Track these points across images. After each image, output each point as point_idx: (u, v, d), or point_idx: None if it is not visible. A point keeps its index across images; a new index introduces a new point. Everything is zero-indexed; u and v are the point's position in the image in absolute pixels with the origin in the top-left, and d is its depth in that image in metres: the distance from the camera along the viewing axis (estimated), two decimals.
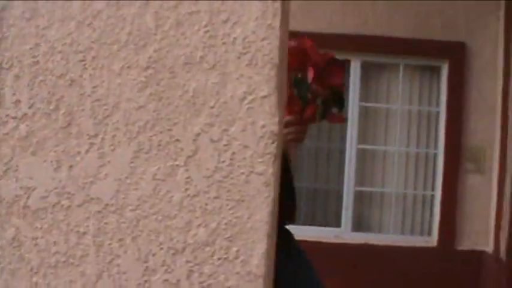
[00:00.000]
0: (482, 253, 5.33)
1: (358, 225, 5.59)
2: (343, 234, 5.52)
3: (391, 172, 5.56)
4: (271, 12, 1.21)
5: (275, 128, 1.19)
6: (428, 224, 5.53)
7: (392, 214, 5.53)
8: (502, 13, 5.34)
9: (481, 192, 5.35)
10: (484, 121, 5.38)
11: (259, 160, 1.19)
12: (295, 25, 5.43)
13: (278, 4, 1.22)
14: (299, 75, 2.42)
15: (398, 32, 5.45)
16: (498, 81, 5.30)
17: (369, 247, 5.33)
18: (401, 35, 5.44)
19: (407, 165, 5.58)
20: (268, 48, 1.20)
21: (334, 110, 2.42)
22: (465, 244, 5.39)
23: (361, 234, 5.50)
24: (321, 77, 2.44)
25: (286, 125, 2.70)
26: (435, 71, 5.59)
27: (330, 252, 5.27)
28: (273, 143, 1.20)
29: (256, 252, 1.19)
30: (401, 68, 5.56)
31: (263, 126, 1.19)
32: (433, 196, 5.52)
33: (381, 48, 5.48)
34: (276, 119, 1.19)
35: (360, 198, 5.58)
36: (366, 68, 5.60)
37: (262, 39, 1.20)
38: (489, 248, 5.27)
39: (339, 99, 2.46)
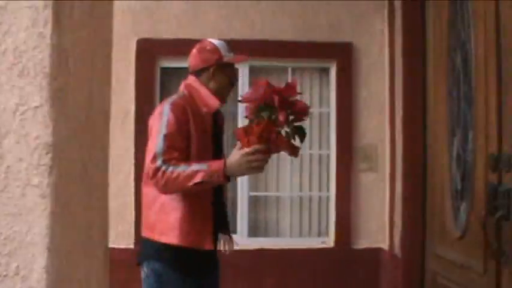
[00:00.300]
0: (378, 250, 5.42)
1: (255, 230, 5.60)
2: (239, 240, 5.52)
3: (285, 176, 5.60)
4: (42, 21, 1.17)
5: (49, 138, 1.16)
6: (326, 225, 5.59)
7: (288, 217, 5.57)
8: (386, 12, 5.45)
9: (374, 190, 5.44)
10: (374, 120, 5.48)
11: (34, 172, 1.16)
12: (182, 32, 5.47)
13: (49, 12, 1.17)
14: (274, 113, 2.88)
15: (285, 35, 5.50)
16: (386, 80, 5.40)
17: (266, 251, 5.34)
18: (288, 38, 5.49)
19: (302, 168, 5.63)
20: (40, 57, 1.16)
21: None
22: (362, 243, 5.47)
23: (258, 239, 5.52)
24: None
25: (254, 153, 3.05)
26: (324, 72, 5.66)
27: (227, 258, 5.25)
28: (47, 153, 1.16)
29: (36, 267, 1.15)
30: (289, 71, 5.60)
31: (36, 138, 1.16)
32: (328, 197, 5.58)
33: (269, 52, 5.51)
34: (50, 130, 1.16)
35: (255, 203, 5.60)
36: (254, 73, 5.63)
37: (34, 48, 1.17)
38: (385, 245, 5.35)
39: (302, 133, 2.92)
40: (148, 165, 3.15)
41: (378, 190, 5.41)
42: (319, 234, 5.61)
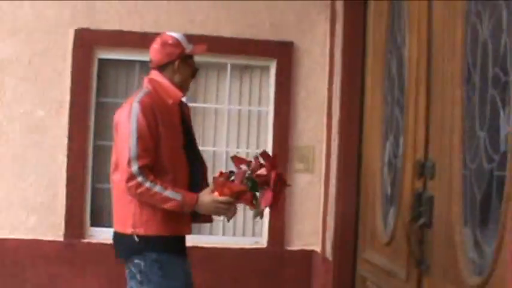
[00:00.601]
0: (311, 253, 5.37)
1: None
2: None
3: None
4: None
5: None
6: (260, 225, 5.52)
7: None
8: (329, 13, 5.40)
9: (310, 191, 5.38)
10: (312, 120, 5.42)
11: None
12: (121, 23, 5.35)
13: None
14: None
15: (226, 32, 5.41)
16: (325, 81, 5.35)
17: (199, 249, 5.24)
18: (229, 35, 5.40)
19: None
20: None
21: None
22: (295, 244, 5.42)
23: (191, 237, 5.41)
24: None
25: (224, 203, 3.46)
26: (264, 70, 5.59)
27: None
28: None
29: None
30: (228, 68, 5.52)
31: None
32: None
33: (208, 48, 5.39)
34: None
35: None
36: None
37: None
38: (319, 247, 5.31)
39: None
40: (124, 168, 3.38)
41: (314, 192, 5.35)
42: (253, 234, 5.54)
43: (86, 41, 5.43)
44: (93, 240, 5.38)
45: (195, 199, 3.46)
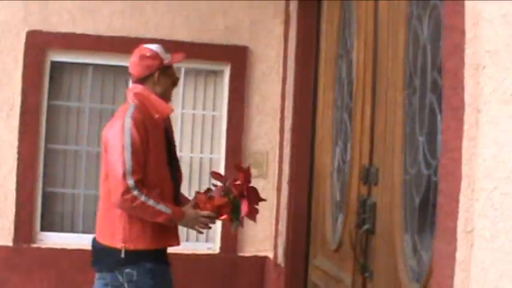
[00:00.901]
0: (264, 259, 5.32)
1: None
2: None
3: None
4: None
5: None
6: (213, 231, 5.45)
7: None
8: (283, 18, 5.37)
9: (264, 197, 5.31)
10: (267, 125, 5.38)
11: None
12: (74, 26, 5.27)
13: None
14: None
15: (180, 35, 5.36)
16: (280, 85, 5.31)
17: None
18: (183, 39, 5.35)
19: (191, 170, 5.49)
20: None
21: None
22: (248, 250, 5.37)
23: None
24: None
25: (206, 217, 3.70)
26: (218, 75, 5.54)
27: None
28: None
29: None
30: (182, 72, 5.46)
31: None
32: None
33: None
34: None
35: None
36: None
37: None
38: (272, 253, 5.26)
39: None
40: (119, 181, 3.43)
41: (267, 197, 5.26)
42: (207, 240, 5.48)
43: (38, 43, 5.34)
44: (43, 245, 5.30)
45: (182, 213, 3.63)
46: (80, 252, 5.22)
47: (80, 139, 5.52)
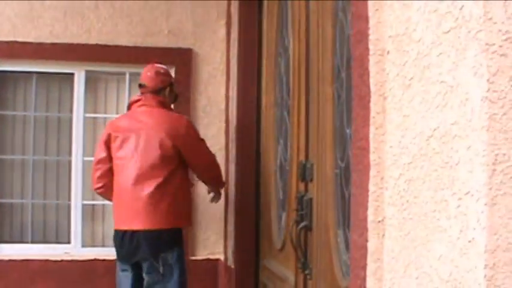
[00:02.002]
0: (217, 262, 5.27)
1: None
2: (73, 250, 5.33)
3: None
4: None
5: None
6: None
7: None
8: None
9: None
10: (214, 128, 5.33)
11: None
12: (16, 34, 5.19)
13: None
14: None
15: (123, 40, 5.30)
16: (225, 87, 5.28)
17: (99, 262, 5.11)
18: (126, 43, 5.29)
19: None
20: None
21: None
22: (200, 253, 5.31)
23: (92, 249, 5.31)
24: None
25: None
26: None
27: (62, 269, 5.12)
28: None
29: None
30: (127, 77, 5.40)
31: None
32: None
33: (106, 57, 5.30)
34: None
35: (89, 212, 5.40)
36: (91, 78, 5.42)
37: None
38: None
39: None
40: (214, 165, 4.56)
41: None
42: None
43: None
44: None
45: None
46: (29, 262, 5.15)
47: (26, 148, 5.43)
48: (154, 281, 4.10)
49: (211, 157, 4.49)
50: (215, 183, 4.65)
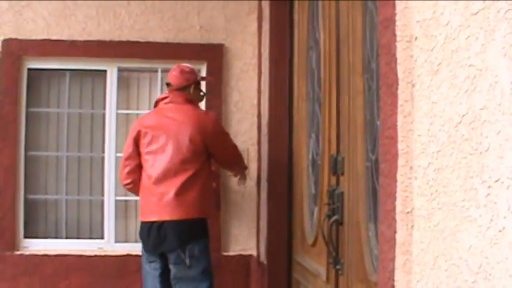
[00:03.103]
0: (249, 257, 5.23)
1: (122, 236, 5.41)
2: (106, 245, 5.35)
3: None
4: None
5: None
6: None
7: None
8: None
9: (246, 195, 5.24)
10: (246, 123, 5.30)
11: None
12: (49, 32, 5.22)
13: None
14: None
15: (155, 37, 5.29)
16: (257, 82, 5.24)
17: (132, 258, 5.11)
18: (158, 39, 5.28)
19: None
20: None
21: None
22: (233, 249, 5.28)
23: (125, 245, 5.33)
24: None
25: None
26: None
27: (95, 264, 5.14)
28: None
29: None
30: (159, 72, 5.40)
31: None
32: None
33: (138, 54, 5.30)
34: None
35: (122, 208, 5.41)
36: (123, 74, 5.43)
37: None
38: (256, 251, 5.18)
39: None
40: (239, 152, 4.70)
41: (250, 195, 5.22)
42: None
43: (14, 51, 5.29)
44: (27, 252, 5.24)
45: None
46: (63, 257, 5.18)
47: (60, 145, 5.46)
48: (181, 272, 4.14)
49: (236, 149, 4.63)
50: (239, 169, 4.83)
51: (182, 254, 4.14)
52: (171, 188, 4.15)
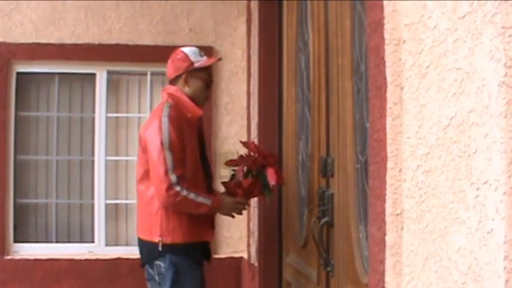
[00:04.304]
0: (240, 260, 5.24)
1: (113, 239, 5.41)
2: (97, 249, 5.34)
3: None
4: None
5: None
6: None
7: None
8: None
9: None
10: (236, 125, 5.31)
11: None
12: (38, 35, 5.21)
13: None
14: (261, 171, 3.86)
15: (144, 40, 5.30)
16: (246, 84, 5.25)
17: (127, 261, 5.11)
18: (147, 43, 5.29)
19: None
20: None
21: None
22: (224, 252, 5.29)
23: (118, 248, 5.32)
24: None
25: (242, 203, 3.94)
26: None
27: (86, 268, 5.13)
28: None
29: None
30: (148, 75, 5.40)
31: None
32: None
33: (127, 57, 5.30)
34: None
35: (113, 211, 5.40)
36: (113, 77, 5.43)
37: None
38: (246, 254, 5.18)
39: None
40: (162, 179, 3.58)
41: None
42: None
43: (2, 55, 5.29)
44: (17, 257, 5.23)
45: (220, 202, 3.83)
46: (54, 262, 5.18)
47: (50, 149, 5.45)
48: None
49: (156, 167, 3.70)
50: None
51: (151, 270, 3.85)
52: (138, 202, 3.96)
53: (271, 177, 3.85)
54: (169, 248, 3.71)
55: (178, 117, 3.70)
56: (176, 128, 3.65)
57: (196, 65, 3.83)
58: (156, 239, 3.72)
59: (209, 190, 3.98)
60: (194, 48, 3.93)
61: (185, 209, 3.70)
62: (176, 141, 3.63)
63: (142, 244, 3.87)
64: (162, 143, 3.60)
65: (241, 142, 4.20)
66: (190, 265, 3.80)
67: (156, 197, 3.66)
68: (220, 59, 4.30)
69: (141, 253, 3.90)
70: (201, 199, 3.69)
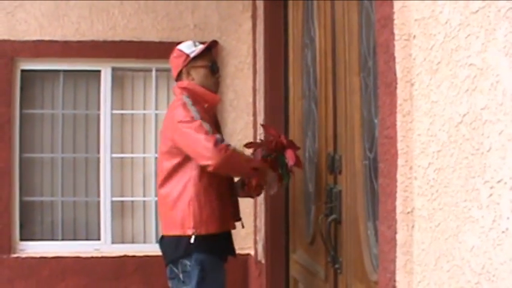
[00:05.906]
0: (247, 256, 5.22)
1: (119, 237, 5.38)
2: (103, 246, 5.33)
3: (151, 180, 5.35)
4: None
5: None
6: None
7: (153, 223, 5.33)
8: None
9: None
10: (241, 121, 5.29)
11: None
12: (42, 33, 5.19)
13: None
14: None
15: (149, 36, 5.28)
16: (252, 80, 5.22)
17: (132, 258, 5.10)
18: (152, 39, 5.27)
19: None
20: None
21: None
22: None
23: (125, 246, 5.30)
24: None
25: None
26: None
27: (92, 266, 5.12)
28: None
29: None
30: (153, 72, 5.38)
31: None
32: None
33: (132, 54, 5.28)
34: None
35: (118, 209, 5.39)
36: (118, 74, 5.40)
37: None
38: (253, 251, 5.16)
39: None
40: (206, 139, 3.43)
41: None
42: None
43: (7, 53, 5.27)
44: (23, 255, 5.22)
45: (266, 165, 3.75)
46: (60, 259, 5.16)
47: (55, 146, 5.44)
48: None
49: (196, 137, 3.67)
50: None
51: (176, 268, 3.79)
52: (162, 202, 3.90)
53: (290, 157, 3.74)
54: (197, 244, 3.61)
55: (195, 102, 3.65)
56: (200, 108, 3.62)
57: (192, 55, 3.77)
58: (190, 231, 3.61)
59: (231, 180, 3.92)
60: (188, 42, 3.88)
61: (236, 164, 3.59)
62: (205, 116, 3.60)
63: (168, 242, 3.75)
64: (193, 118, 3.53)
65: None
66: (217, 263, 3.75)
67: (204, 160, 3.46)
68: (215, 42, 4.01)
69: (165, 252, 3.81)
70: (246, 156, 3.72)
